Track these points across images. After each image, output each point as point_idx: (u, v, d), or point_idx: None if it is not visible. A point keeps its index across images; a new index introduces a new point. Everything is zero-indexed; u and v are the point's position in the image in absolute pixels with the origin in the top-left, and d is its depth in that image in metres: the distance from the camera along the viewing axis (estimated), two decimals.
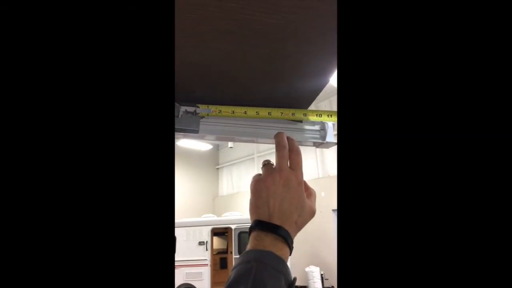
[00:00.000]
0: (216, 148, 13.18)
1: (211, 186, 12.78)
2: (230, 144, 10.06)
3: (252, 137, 0.66)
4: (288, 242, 0.50)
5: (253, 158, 11.64)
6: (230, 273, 0.46)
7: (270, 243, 0.48)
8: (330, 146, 0.66)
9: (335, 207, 8.39)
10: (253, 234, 0.51)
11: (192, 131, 0.66)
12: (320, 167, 9.36)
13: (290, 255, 0.50)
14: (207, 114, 0.65)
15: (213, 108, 0.65)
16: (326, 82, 0.66)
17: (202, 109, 0.65)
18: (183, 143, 10.05)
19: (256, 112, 0.65)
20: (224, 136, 0.66)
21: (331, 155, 9.15)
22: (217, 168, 13.18)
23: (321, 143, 0.66)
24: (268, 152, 10.99)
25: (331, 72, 0.65)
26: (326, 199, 8.59)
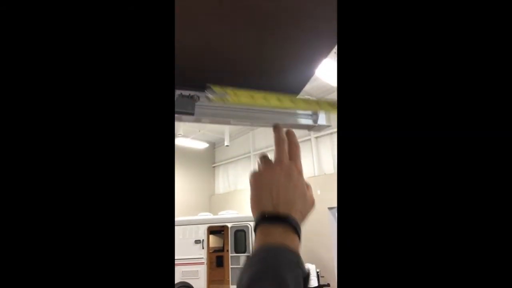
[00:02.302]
0: (213, 146, 13.16)
1: (208, 184, 12.76)
2: (226, 142, 10.05)
3: (247, 120, 0.67)
4: (298, 231, 0.47)
5: (249, 156, 11.64)
6: (242, 273, 0.44)
7: (281, 236, 0.46)
8: (322, 129, 0.68)
9: (331, 205, 8.42)
10: (260, 229, 0.48)
11: (188, 113, 0.67)
12: (316, 165, 9.38)
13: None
14: (222, 100, 0.63)
15: (229, 91, 0.63)
16: (314, 70, 0.67)
17: (215, 91, 0.63)
18: (180, 141, 10.02)
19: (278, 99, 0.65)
20: (219, 119, 0.67)
21: (327, 153, 9.18)
22: (214, 167, 13.16)
23: (313, 126, 0.67)
24: (265, 150, 10.98)
25: (320, 60, 0.67)
26: (322, 197, 8.62)
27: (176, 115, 0.68)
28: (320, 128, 0.67)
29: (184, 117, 0.70)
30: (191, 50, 0.64)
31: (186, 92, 0.67)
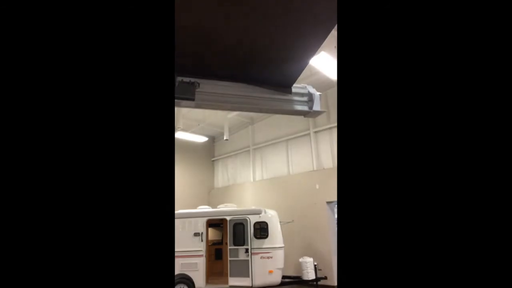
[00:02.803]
0: (212, 141, 13.16)
1: (207, 178, 12.80)
2: (225, 136, 10.06)
3: (245, 106, 0.70)
4: None
5: (248, 150, 11.65)
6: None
7: None
8: (317, 115, 0.70)
9: (329, 199, 8.45)
10: None
11: (188, 99, 0.70)
12: (315, 160, 9.41)
13: None
14: None
15: None
16: (307, 63, 0.69)
17: None
18: (179, 135, 10.02)
19: None
20: (218, 104, 0.70)
21: (326, 148, 9.19)
22: (213, 160, 13.17)
23: (308, 112, 0.70)
24: (264, 145, 11.01)
25: (314, 53, 0.69)
26: (321, 191, 8.66)
27: (175, 100, 0.70)
28: (315, 114, 0.70)
29: (183, 102, 0.73)
30: (190, 39, 0.66)
31: (186, 79, 0.70)
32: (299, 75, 0.74)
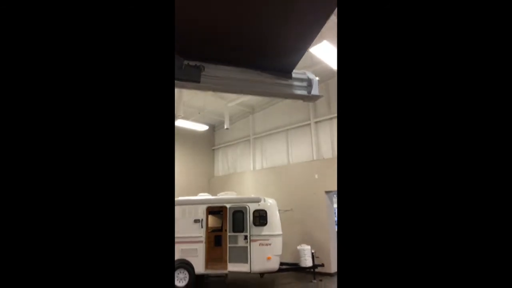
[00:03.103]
0: (212, 129, 13.20)
1: (207, 166, 12.89)
2: (226, 125, 10.10)
3: (246, 89, 0.74)
4: None
5: (248, 139, 11.69)
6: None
7: None
8: (316, 99, 0.74)
9: (328, 189, 8.54)
10: None
11: (194, 81, 0.73)
12: (315, 150, 9.46)
13: None
14: None
15: None
16: (306, 49, 0.72)
17: None
18: (180, 123, 10.04)
19: None
20: (222, 87, 0.74)
21: (326, 138, 9.23)
22: (213, 149, 13.23)
23: (307, 96, 0.74)
24: (264, 134, 11.03)
25: (312, 40, 0.72)
26: (320, 181, 8.74)
27: (181, 82, 0.74)
28: (314, 98, 0.74)
29: (188, 84, 0.77)
30: (196, 26, 0.69)
31: (192, 63, 0.74)
32: (298, 61, 0.77)
